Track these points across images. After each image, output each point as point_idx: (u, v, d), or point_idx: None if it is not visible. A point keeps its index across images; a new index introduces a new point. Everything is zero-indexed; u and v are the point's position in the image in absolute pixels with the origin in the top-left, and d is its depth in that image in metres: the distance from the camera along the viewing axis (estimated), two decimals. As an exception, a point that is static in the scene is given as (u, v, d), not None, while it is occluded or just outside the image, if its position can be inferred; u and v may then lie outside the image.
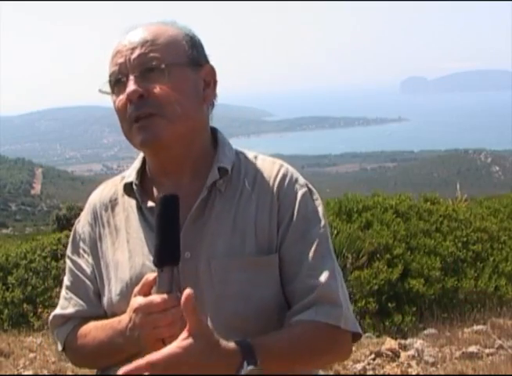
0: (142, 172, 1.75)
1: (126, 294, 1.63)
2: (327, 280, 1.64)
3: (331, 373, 5.46)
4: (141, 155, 1.78)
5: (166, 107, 1.61)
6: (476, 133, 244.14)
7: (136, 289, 1.55)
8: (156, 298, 1.48)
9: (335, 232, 7.02)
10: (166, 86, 1.61)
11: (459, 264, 7.27)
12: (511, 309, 6.74)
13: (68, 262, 1.83)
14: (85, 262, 1.78)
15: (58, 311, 1.81)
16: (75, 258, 1.80)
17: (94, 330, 1.70)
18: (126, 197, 1.75)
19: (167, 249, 1.50)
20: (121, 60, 1.63)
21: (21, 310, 8.22)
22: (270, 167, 1.74)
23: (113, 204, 1.78)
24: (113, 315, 1.68)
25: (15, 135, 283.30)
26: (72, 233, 1.85)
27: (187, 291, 1.38)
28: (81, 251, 1.79)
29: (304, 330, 1.60)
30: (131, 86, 1.60)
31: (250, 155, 1.79)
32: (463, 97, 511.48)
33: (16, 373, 6.12)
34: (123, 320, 1.59)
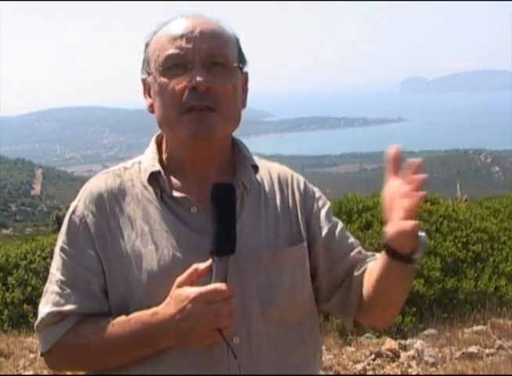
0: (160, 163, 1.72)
1: (153, 286, 1.58)
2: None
3: (331, 373, 5.47)
4: (154, 146, 1.75)
5: (225, 105, 1.61)
6: (476, 133, 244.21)
7: (180, 279, 1.52)
8: (220, 286, 1.48)
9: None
10: (228, 85, 1.62)
11: (459, 264, 7.26)
12: (511, 310, 6.74)
13: (62, 254, 1.67)
14: (87, 255, 1.64)
15: (52, 308, 1.64)
16: (73, 251, 1.66)
17: (108, 326, 1.58)
18: (138, 188, 1.69)
19: (227, 238, 1.51)
20: (188, 46, 1.60)
21: (21, 311, 8.21)
22: (282, 168, 1.86)
23: (122, 194, 1.69)
24: (125, 309, 1.59)
25: (15, 136, 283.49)
26: (67, 224, 1.69)
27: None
28: (82, 243, 1.65)
29: None
30: (200, 76, 1.58)
31: (255, 157, 1.83)
32: (463, 97, 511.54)
33: (15, 373, 6.12)
34: (160, 312, 1.53)
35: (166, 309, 1.52)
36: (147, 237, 1.63)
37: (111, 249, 1.63)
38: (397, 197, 1.55)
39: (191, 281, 1.51)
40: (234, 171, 1.72)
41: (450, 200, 9.97)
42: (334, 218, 1.84)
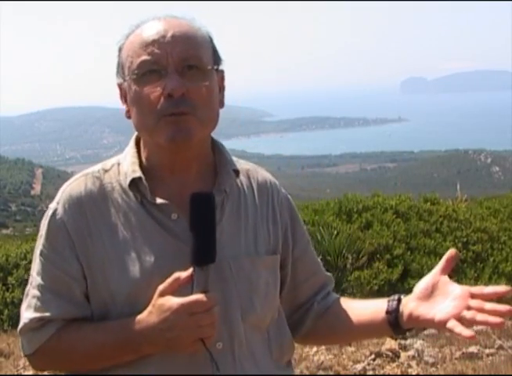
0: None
1: (134, 293, 1.57)
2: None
3: (331, 373, 5.47)
4: (134, 150, 1.72)
5: (201, 109, 1.59)
6: (476, 133, 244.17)
7: (161, 288, 1.50)
8: (201, 297, 1.47)
9: (335, 232, 7.02)
10: (203, 88, 1.60)
11: (459, 264, 7.26)
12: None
13: (42, 259, 1.65)
14: (69, 260, 1.62)
15: (35, 314, 1.63)
16: (53, 255, 1.63)
17: (91, 331, 1.59)
18: (118, 192, 1.66)
19: (207, 248, 1.50)
20: (161, 51, 1.57)
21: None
22: (260, 172, 1.84)
23: (102, 198, 1.66)
24: (106, 314, 1.60)
25: (15, 136, 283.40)
26: (46, 229, 1.66)
27: None
28: (61, 247, 1.63)
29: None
30: (175, 82, 1.55)
31: (233, 159, 1.80)
32: (463, 97, 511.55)
33: (15, 373, 6.12)
34: (144, 321, 1.53)
35: (149, 317, 1.52)
36: (129, 244, 1.62)
37: (92, 255, 1.62)
38: (449, 292, 1.58)
39: (172, 290, 1.50)
40: (215, 175, 1.70)
41: (450, 200, 9.98)
42: (305, 234, 1.88)
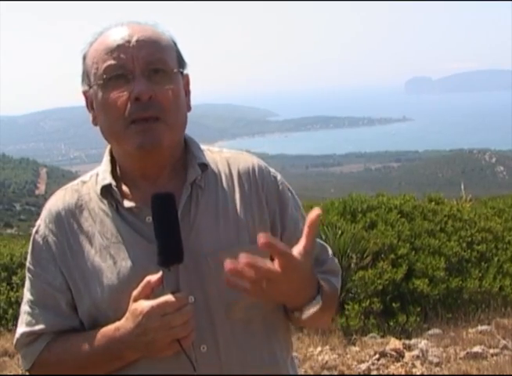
0: (113, 174, 1.69)
1: (115, 300, 1.58)
2: (330, 254, 1.85)
3: (335, 373, 5.47)
4: (107, 158, 1.72)
5: (169, 113, 1.58)
6: (480, 133, 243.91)
7: (135, 293, 1.51)
8: (169, 297, 1.47)
9: (339, 232, 7.02)
10: (170, 91, 1.59)
11: (463, 264, 7.25)
12: (516, 310, 6.73)
13: (29, 275, 1.71)
14: (52, 273, 1.66)
15: (24, 328, 1.69)
16: (38, 270, 1.68)
17: (77, 342, 1.62)
18: (95, 201, 1.68)
19: (172, 248, 1.49)
20: (126, 56, 1.57)
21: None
22: (242, 158, 1.79)
23: (79, 210, 1.68)
24: (95, 323, 1.62)
25: (19, 135, 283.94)
26: (31, 244, 1.71)
27: (314, 212, 1.44)
28: (45, 262, 1.67)
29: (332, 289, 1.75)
30: (142, 85, 1.55)
31: (216, 150, 1.80)
32: (468, 97, 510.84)
33: (20, 373, 6.13)
34: (122, 327, 1.54)
35: (126, 323, 1.53)
36: (105, 252, 1.63)
37: (73, 266, 1.64)
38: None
39: (146, 294, 1.50)
40: (186, 172, 1.69)
41: (455, 199, 9.97)
42: (295, 218, 1.77)
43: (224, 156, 1.77)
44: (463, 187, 11.80)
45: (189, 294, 1.56)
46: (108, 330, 1.57)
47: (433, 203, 8.54)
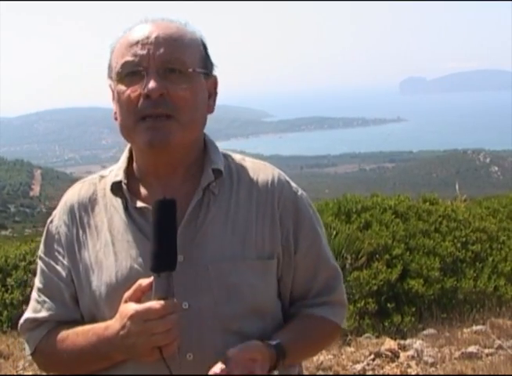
0: (128, 172, 1.70)
1: (112, 299, 1.58)
2: (341, 283, 1.79)
3: (330, 373, 5.47)
4: (126, 155, 1.73)
5: (181, 112, 1.58)
6: (475, 133, 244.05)
7: (127, 294, 1.51)
8: (154, 304, 1.46)
9: (334, 232, 7.02)
10: (186, 91, 1.59)
11: (458, 264, 7.26)
12: (510, 309, 6.74)
13: (40, 263, 1.73)
14: (60, 264, 1.69)
15: (30, 314, 1.72)
16: (48, 259, 1.71)
17: (73, 335, 1.63)
18: (108, 197, 1.69)
19: (164, 254, 1.48)
20: (143, 52, 1.57)
21: (20, 312, 8.17)
22: (263, 170, 1.75)
23: (92, 204, 1.70)
24: (93, 319, 1.63)
25: (14, 137, 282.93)
26: (45, 233, 1.75)
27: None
28: (56, 252, 1.70)
29: (316, 324, 1.71)
30: (153, 82, 1.55)
31: (238, 157, 1.78)
32: (462, 97, 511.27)
33: (15, 374, 6.11)
34: (110, 327, 1.54)
35: (114, 324, 1.54)
36: (109, 248, 1.64)
37: (78, 259, 1.66)
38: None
39: (136, 297, 1.50)
40: (201, 176, 1.67)
41: (449, 200, 9.97)
42: (310, 239, 1.73)
43: (245, 164, 1.75)
44: (457, 187, 11.84)
45: (183, 300, 1.55)
46: (99, 327, 1.58)
47: (427, 203, 8.55)
